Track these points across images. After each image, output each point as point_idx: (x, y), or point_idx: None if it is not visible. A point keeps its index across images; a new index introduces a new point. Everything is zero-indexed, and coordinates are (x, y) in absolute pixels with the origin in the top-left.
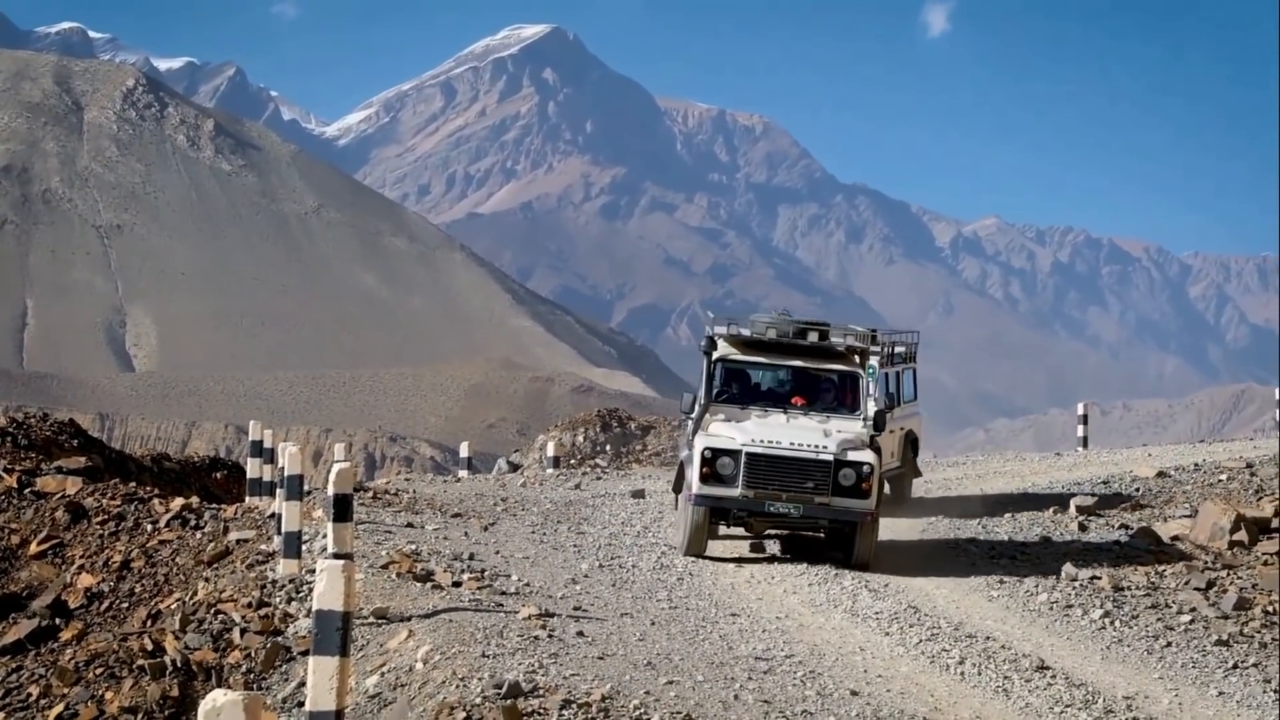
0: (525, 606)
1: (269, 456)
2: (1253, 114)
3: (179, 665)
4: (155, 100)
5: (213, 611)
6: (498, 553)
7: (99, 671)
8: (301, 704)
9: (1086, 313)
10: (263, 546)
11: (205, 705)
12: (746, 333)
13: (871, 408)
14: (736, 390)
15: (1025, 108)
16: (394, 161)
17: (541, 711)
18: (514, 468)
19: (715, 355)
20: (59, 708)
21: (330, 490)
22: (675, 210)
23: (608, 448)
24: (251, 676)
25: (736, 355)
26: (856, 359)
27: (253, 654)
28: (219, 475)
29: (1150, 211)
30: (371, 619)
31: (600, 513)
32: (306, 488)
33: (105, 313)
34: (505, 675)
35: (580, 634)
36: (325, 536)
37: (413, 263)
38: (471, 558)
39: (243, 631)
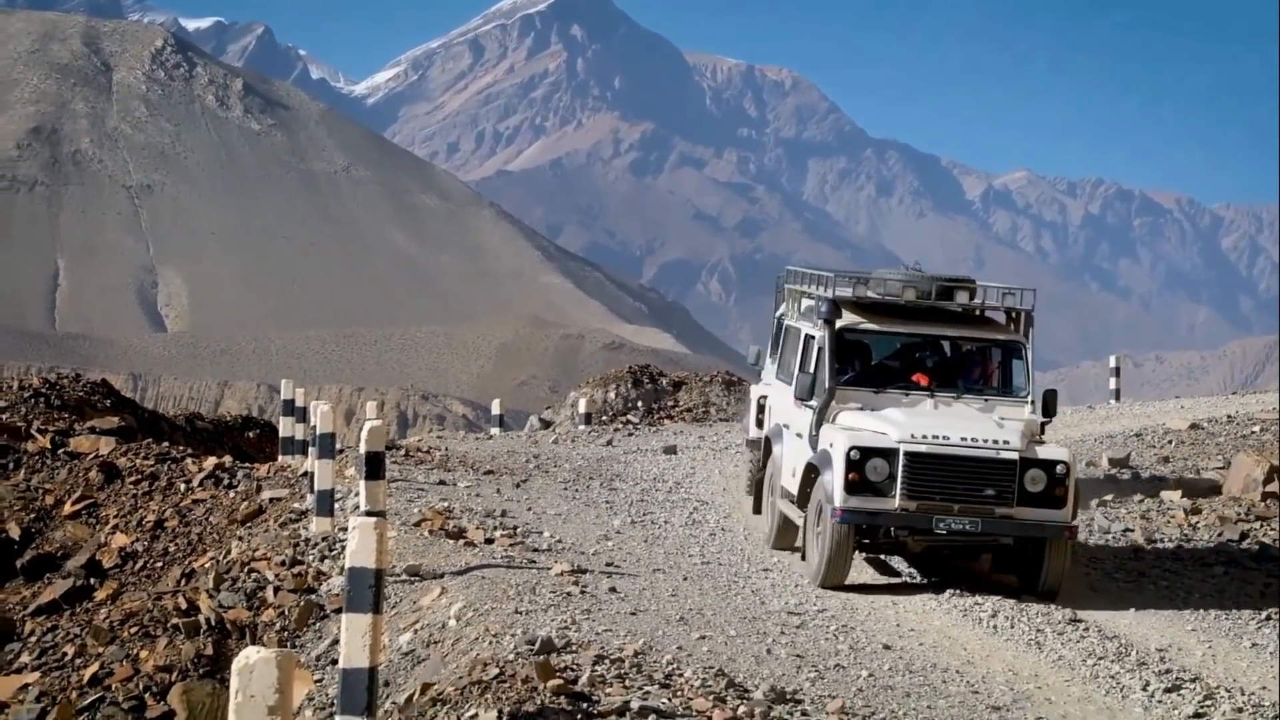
0: (558, 563)
1: (301, 415)
2: None
3: (213, 624)
4: (184, 60)
5: (246, 570)
6: (530, 509)
7: (133, 631)
8: (335, 661)
9: (1118, 265)
10: (295, 505)
11: (239, 662)
12: (873, 295)
13: (1038, 388)
14: (859, 368)
15: (1055, 59)
16: (423, 120)
17: (575, 667)
18: (546, 425)
19: (839, 324)
20: (94, 667)
21: (362, 448)
22: (704, 165)
23: (639, 404)
24: (285, 634)
25: (865, 324)
26: (1016, 326)
27: (286, 612)
28: (252, 434)
29: (1182, 163)
30: (404, 576)
31: (632, 469)
32: (339, 446)
33: (136, 273)
34: (538, 631)
35: (613, 590)
36: (358, 494)
37: (442, 221)
38: (503, 515)
39: (276, 590)
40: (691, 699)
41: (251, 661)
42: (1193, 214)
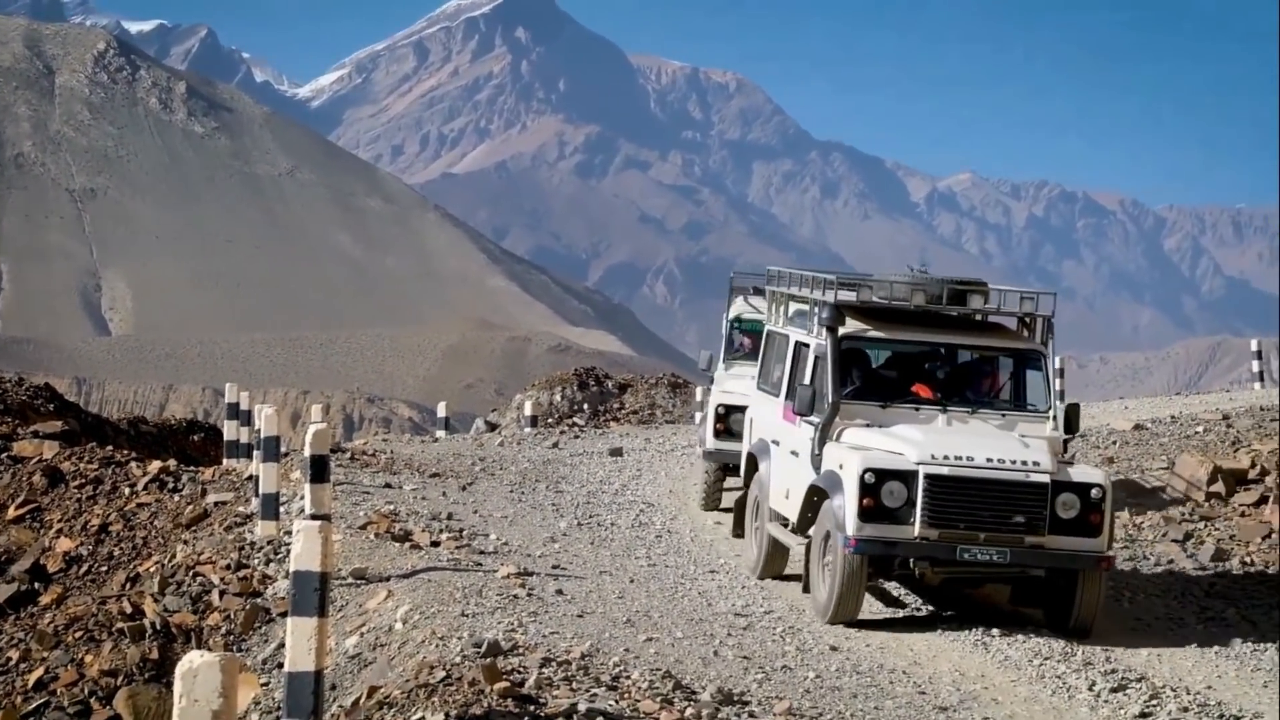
0: (504, 565)
1: (246, 419)
2: (1227, 66)
3: (158, 628)
4: (127, 63)
5: (191, 574)
6: (476, 512)
7: (78, 635)
8: (281, 665)
9: (1062, 266)
10: (240, 509)
11: (181, 667)
12: (879, 300)
13: (1059, 402)
14: (860, 380)
15: (998, 62)
16: (367, 122)
17: (521, 670)
18: (491, 427)
19: (842, 332)
20: (39, 671)
21: (307, 451)
22: (649, 168)
23: (585, 406)
24: (231, 638)
25: (871, 332)
26: (1031, 333)
27: (232, 616)
28: (196, 438)
29: (1124, 164)
30: (350, 580)
31: (578, 471)
32: (284, 449)
33: (80, 277)
34: (484, 634)
35: (559, 592)
36: (303, 498)
37: (388, 223)
38: (450, 517)
39: (221, 594)
40: (639, 701)
41: (195, 665)
42: (1136, 215)
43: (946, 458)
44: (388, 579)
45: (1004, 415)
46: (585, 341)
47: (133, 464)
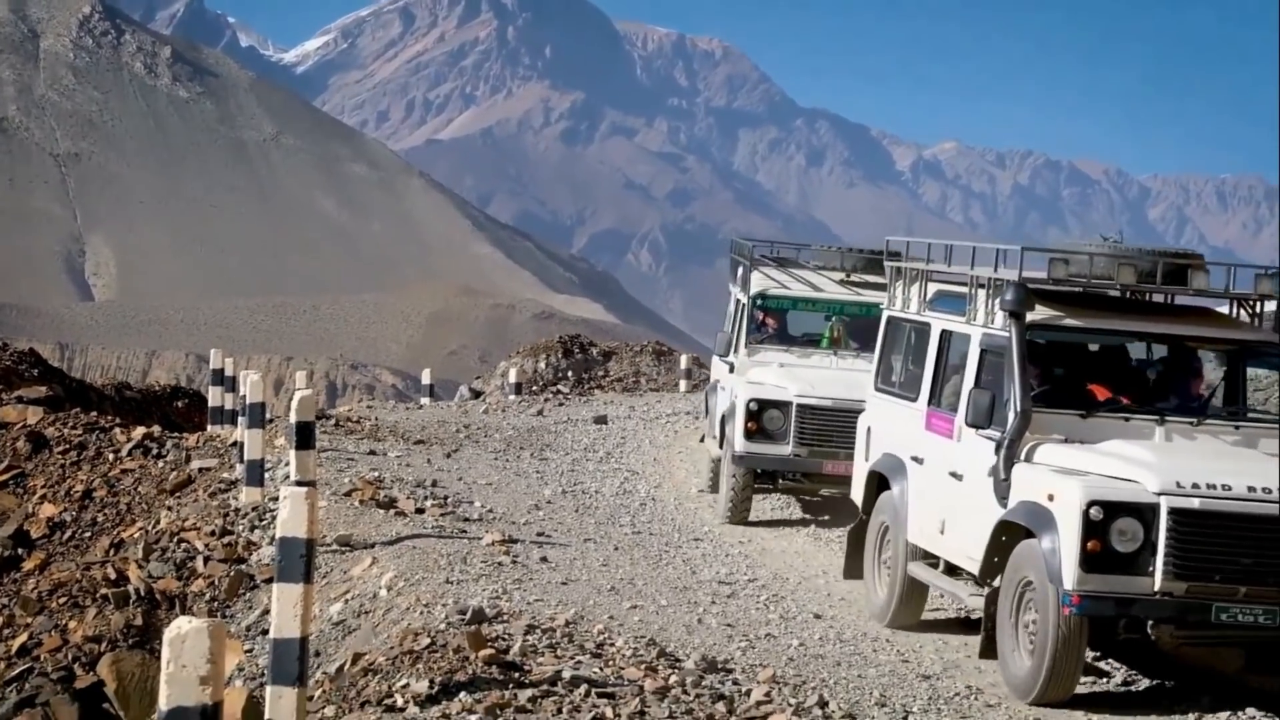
0: (489, 533)
1: (230, 385)
2: (1212, 37)
3: (142, 594)
4: (112, 27)
5: (176, 540)
6: (460, 479)
7: (62, 601)
8: (265, 631)
9: (1047, 235)
10: (225, 475)
11: (170, 632)
12: (1078, 278)
13: None
14: (1041, 381)
15: (984, 30)
16: (353, 88)
17: (506, 637)
18: (476, 395)
19: (1030, 319)
20: (22, 637)
21: (292, 418)
22: (635, 135)
23: (569, 374)
24: (215, 604)
25: (1069, 320)
26: (1257, 320)
27: (216, 582)
28: (180, 404)
29: (1109, 134)
30: (335, 546)
31: (563, 439)
32: (268, 416)
33: (64, 241)
34: (469, 601)
35: (544, 560)
36: (288, 464)
37: (372, 189)
38: (434, 484)
39: (206, 560)
40: (623, 668)
41: (184, 631)
42: (1121, 184)
43: (1196, 486)
44: (372, 546)
45: (1238, 428)
46: (570, 309)
47: (117, 430)
